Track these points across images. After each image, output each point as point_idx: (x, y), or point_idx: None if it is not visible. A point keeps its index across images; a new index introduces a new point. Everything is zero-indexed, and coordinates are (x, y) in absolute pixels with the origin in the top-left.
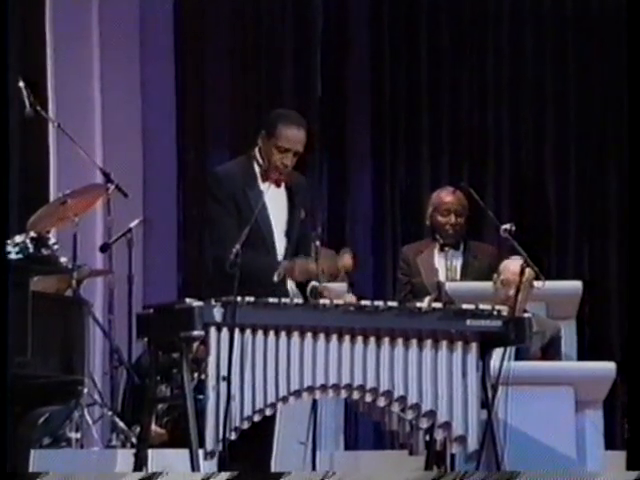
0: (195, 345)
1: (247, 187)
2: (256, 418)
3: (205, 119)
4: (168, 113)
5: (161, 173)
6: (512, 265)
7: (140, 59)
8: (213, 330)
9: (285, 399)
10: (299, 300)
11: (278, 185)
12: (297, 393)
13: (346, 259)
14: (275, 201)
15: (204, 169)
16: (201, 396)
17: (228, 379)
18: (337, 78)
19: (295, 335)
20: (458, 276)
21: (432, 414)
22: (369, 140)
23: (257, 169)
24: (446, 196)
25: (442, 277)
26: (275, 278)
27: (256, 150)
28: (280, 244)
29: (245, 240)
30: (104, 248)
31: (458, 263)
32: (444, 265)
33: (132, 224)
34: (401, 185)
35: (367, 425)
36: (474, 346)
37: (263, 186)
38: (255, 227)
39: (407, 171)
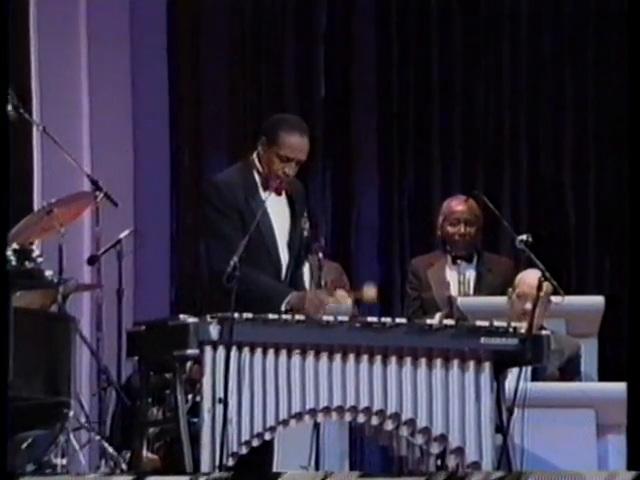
0: (189, 365)
1: (249, 196)
2: (255, 443)
3: (201, 121)
4: (161, 115)
5: (153, 180)
6: (529, 277)
7: (131, 59)
8: (208, 348)
9: (286, 422)
10: (300, 316)
11: (279, 193)
12: (298, 416)
13: (371, 291)
14: (277, 210)
15: (200, 176)
16: (196, 419)
17: (225, 401)
18: (341, 78)
19: (296, 354)
20: (471, 290)
21: (443, 439)
22: (376, 145)
23: (257, 177)
24: (456, 205)
25: (454, 292)
26: (283, 308)
27: (254, 156)
28: (284, 256)
29: (248, 253)
30: (92, 260)
31: (471, 276)
32: (456, 279)
33: (122, 235)
34: (410, 193)
35: (374, 450)
36: (488, 366)
37: (264, 195)
38: (258, 238)
39: (417, 178)
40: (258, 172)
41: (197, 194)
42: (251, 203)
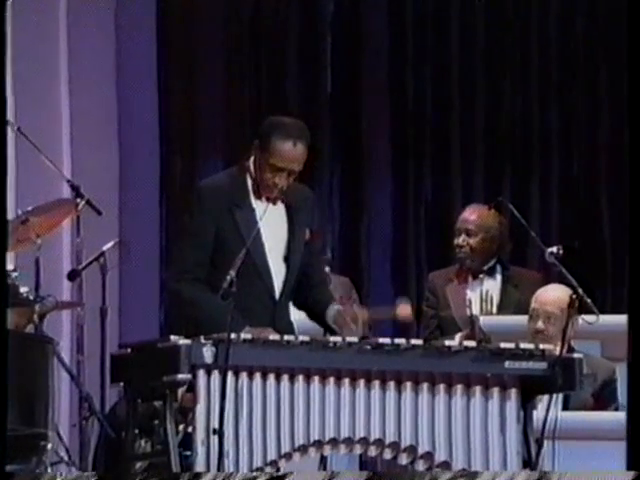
0: (181, 391)
1: (235, 204)
2: None
3: (194, 122)
4: (149, 114)
5: (141, 186)
6: (543, 294)
7: (115, 53)
8: (202, 373)
9: (289, 456)
10: (305, 337)
11: (274, 202)
12: (303, 449)
13: (406, 308)
14: (271, 221)
15: (192, 183)
16: (188, 452)
17: (220, 432)
18: (350, 73)
19: (300, 379)
20: (495, 308)
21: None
22: (389, 147)
23: (250, 183)
24: (463, 214)
25: (476, 310)
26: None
27: (251, 161)
28: (277, 271)
29: (224, 268)
30: (72, 276)
31: (495, 293)
32: (478, 295)
33: (106, 247)
34: (427, 201)
35: None
36: (514, 393)
37: (256, 203)
38: (243, 251)
39: (434, 185)
40: (252, 177)
41: (186, 203)
42: (235, 212)
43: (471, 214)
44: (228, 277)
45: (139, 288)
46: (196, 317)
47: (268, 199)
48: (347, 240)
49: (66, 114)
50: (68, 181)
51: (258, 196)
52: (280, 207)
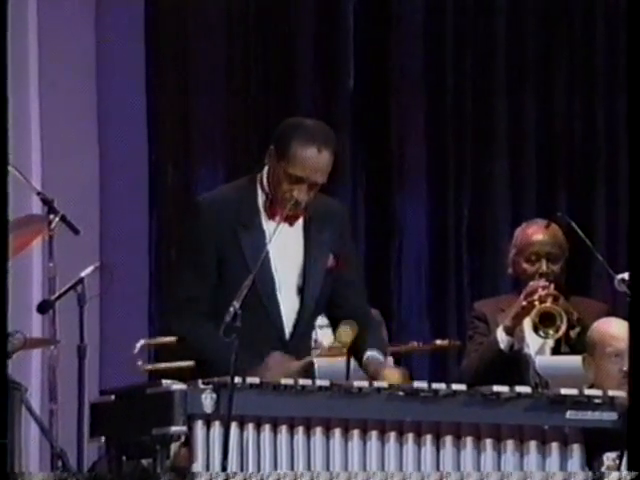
0: (175, 447)
1: (241, 224)
2: None
3: (190, 124)
4: (136, 117)
5: (126, 201)
6: (603, 326)
7: (96, 45)
8: (200, 425)
9: None
10: (324, 381)
11: (290, 222)
12: None
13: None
14: (284, 244)
15: (187, 195)
16: None
17: None
18: (377, 64)
19: (318, 431)
20: (552, 345)
21: None
22: (423, 154)
23: (261, 198)
24: (534, 234)
25: (532, 348)
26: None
27: (264, 172)
28: (289, 307)
29: (226, 301)
30: (44, 307)
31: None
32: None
33: (84, 273)
34: (469, 217)
35: None
36: (577, 449)
37: (267, 224)
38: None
39: (477, 197)
40: (264, 192)
41: (182, 220)
42: (241, 234)
43: (545, 234)
44: (231, 309)
45: (124, 322)
46: (197, 358)
47: (286, 218)
48: (374, 263)
49: (35, 115)
50: (39, 194)
51: (271, 215)
52: (297, 227)
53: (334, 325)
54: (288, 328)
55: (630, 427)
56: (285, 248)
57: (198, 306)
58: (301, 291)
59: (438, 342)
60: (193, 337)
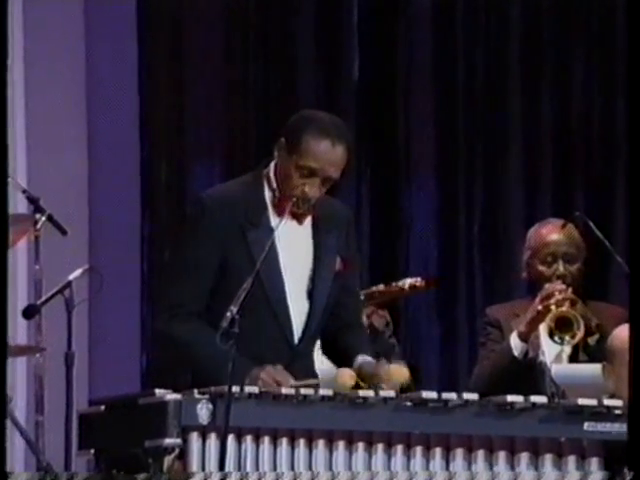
0: (169, 460)
1: (248, 221)
2: None
3: (185, 118)
4: (127, 110)
5: (117, 199)
6: (621, 335)
7: (86, 33)
8: (196, 437)
9: None
10: (327, 391)
11: (299, 220)
12: None
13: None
14: (293, 243)
15: (182, 193)
16: None
17: None
18: (383, 54)
19: (320, 444)
20: (570, 353)
21: None
22: (432, 147)
23: (268, 195)
24: (549, 234)
25: (548, 356)
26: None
27: (271, 167)
28: (298, 309)
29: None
30: (30, 312)
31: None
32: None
33: (72, 276)
34: (481, 217)
35: None
36: (596, 462)
37: (275, 221)
38: (255, 282)
39: (489, 196)
40: (271, 188)
41: (176, 219)
42: (249, 232)
43: (561, 233)
44: (228, 314)
45: (114, 328)
46: (191, 364)
47: (292, 215)
48: (380, 263)
49: (20, 108)
50: (24, 191)
51: (279, 212)
52: (307, 227)
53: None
54: (297, 333)
55: (630, 426)
56: (294, 249)
57: (194, 306)
58: (310, 295)
59: (409, 281)
60: (188, 340)
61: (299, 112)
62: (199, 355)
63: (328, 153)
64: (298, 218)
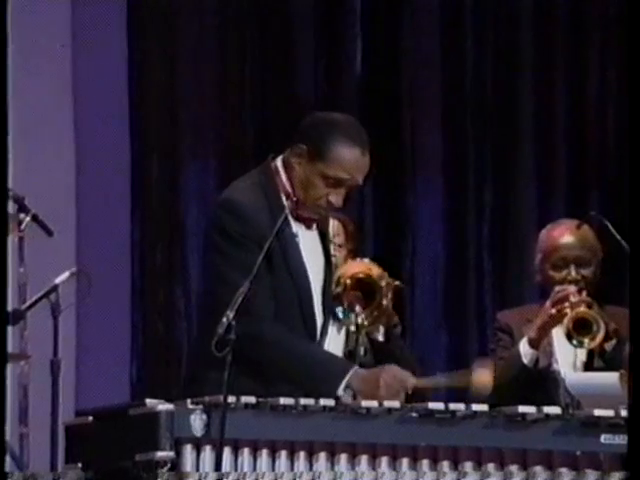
0: (161, 474)
1: (272, 228)
2: None
3: (178, 111)
4: (117, 105)
5: (105, 199)
6: None
7: (72, 22)
8: (189, 449)
9: None
10: (328, 401)
11: (309, 227)
12: None
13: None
14: (309, 249)
15: (173, 191)
16: None
17: None
18: (388, 50)
19: (322, 457)
20: (585, 360)
21: None
22: (439, 144)
23: (285, 201)
24: (560, 236)
25: (562, 363)
26: (340, 392)
27: (280, 170)
28: (318, 310)
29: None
30: (14, 317)
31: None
32: (564, 344)
33: (59, 279)
34: (491, 217)
35: None
36: (614, 477)
37: (295, 227)
38: (287, 288)
39: (499, 195)
40: (285, 192)
41: (169, 220)
42: (282, 237)
43: (573, 235)
44: (224, 319)
45: (103, 334)
46: (293, 364)
47: (305, 222)
48: (383, 264)
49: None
50: (8, 191)
51: (296, 217)
52: (314, 233)
53: None
54: (318, 329)
55: (631, 426)
56: (312, 254)
57: (271, 311)
58: (323, 295)
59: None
60: (292, 343)
61: (313, 115)
62: (302, 354)
63: (359, 162)
64: (308, 224)
